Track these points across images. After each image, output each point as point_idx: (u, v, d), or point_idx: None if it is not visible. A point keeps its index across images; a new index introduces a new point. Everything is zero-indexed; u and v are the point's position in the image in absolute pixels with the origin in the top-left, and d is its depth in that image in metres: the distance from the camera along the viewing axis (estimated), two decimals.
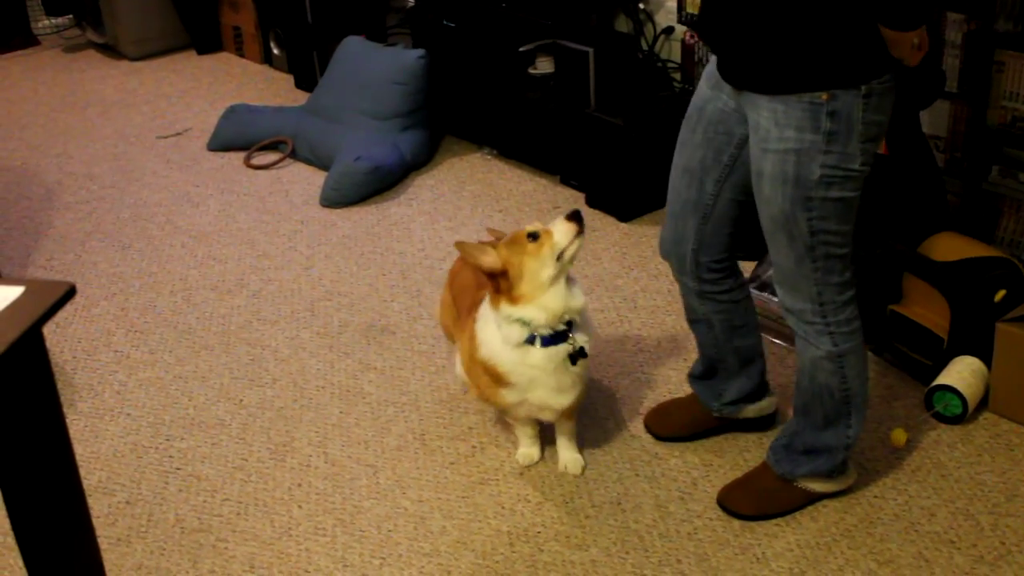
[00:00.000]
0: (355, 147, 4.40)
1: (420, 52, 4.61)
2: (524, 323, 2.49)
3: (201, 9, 6.22)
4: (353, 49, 4.87)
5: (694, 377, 2.84)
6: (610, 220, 4.04)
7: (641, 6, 4.40)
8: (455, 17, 4.60)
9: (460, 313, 2.80)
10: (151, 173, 4.75)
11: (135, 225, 4.29)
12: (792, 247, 2.28)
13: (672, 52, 4.38)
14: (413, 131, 4.59)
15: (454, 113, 4.79)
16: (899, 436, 2.77)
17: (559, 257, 2.47)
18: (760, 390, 2.80)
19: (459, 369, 2.84)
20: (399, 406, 3.08)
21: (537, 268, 2.46)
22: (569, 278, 2.54)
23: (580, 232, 2.50)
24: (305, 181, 4.55)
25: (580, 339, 2.55)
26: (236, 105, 5.08)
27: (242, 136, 4.89)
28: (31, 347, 1.55)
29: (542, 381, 2.56)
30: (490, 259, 2.48)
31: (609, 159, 4.02)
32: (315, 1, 5.32)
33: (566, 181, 4.32)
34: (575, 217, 2.51)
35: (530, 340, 2.51)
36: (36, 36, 6.72)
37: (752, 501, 2.62)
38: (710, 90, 2.40)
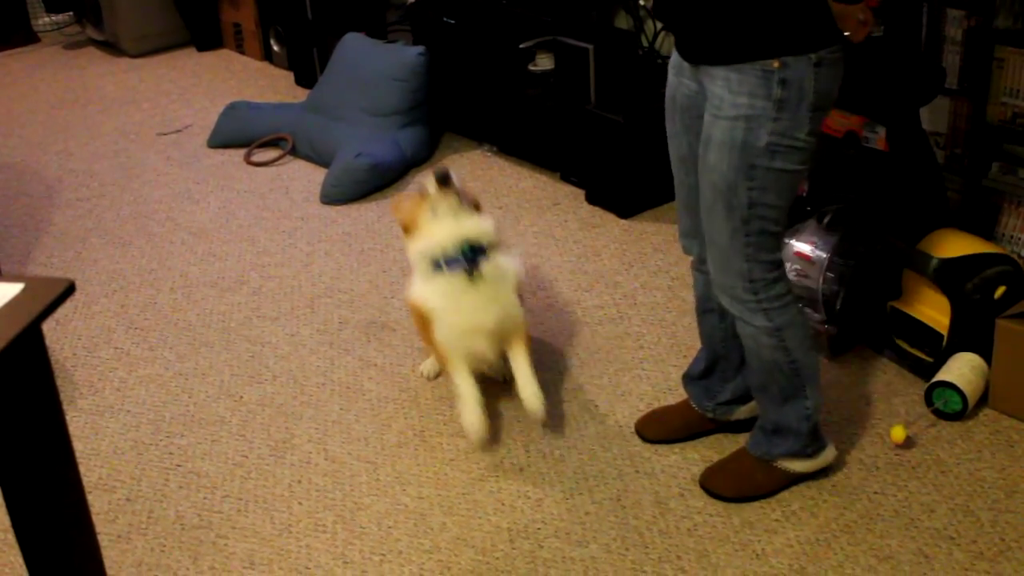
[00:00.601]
0: (355, 144, 4.40)
1: (420, 49, 4.61)
2: (422, 255, 2.78)
3: (201, 6, 6.22)
4: (353, 46, 4.87)
5: (691, 377, 2.84)
6: (610, 217, 4.04)
7: (641, 2, 4.40)
8: (455, 14, 4.60)
9: None
10: (151, 170, 4.75)
11: (135, 222, 4.29)
12: (729, 218, 2.32)
13: (672, 49, 4.37)
14: (413, 128, 4.59)
15: (454, 110, 4.79)
16: (899, 432, 2.77)
17: (434, 210, 2.77)
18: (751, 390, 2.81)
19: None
20: (399, 403, 3.08)
21: (420, 214, 2.80)
22: (474, 213, 2.82)
23: (443, 186, 2.76)
24: (305, 178, 4.55)
25: (494, 263, 2.77)
26: (236, 102, 5.08)
27: (242, 133, 4.89)
28: (30, 344, 1.55)
29: (455, 302, 2.75)
30: (397, 213, 2.92)
31: (609, 156, 4.02)
32: None
33: (566, 178, 4.32)
34: (437, 174, 2.77)
35: (436, 271, 2.76)
36: (36, 33, 6.72)
37: (733, 483, 2.66)
38: (675, 77, 2.46)
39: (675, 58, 2.44)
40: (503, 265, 2.79)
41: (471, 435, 2.78)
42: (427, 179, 2.78)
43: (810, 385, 2.52)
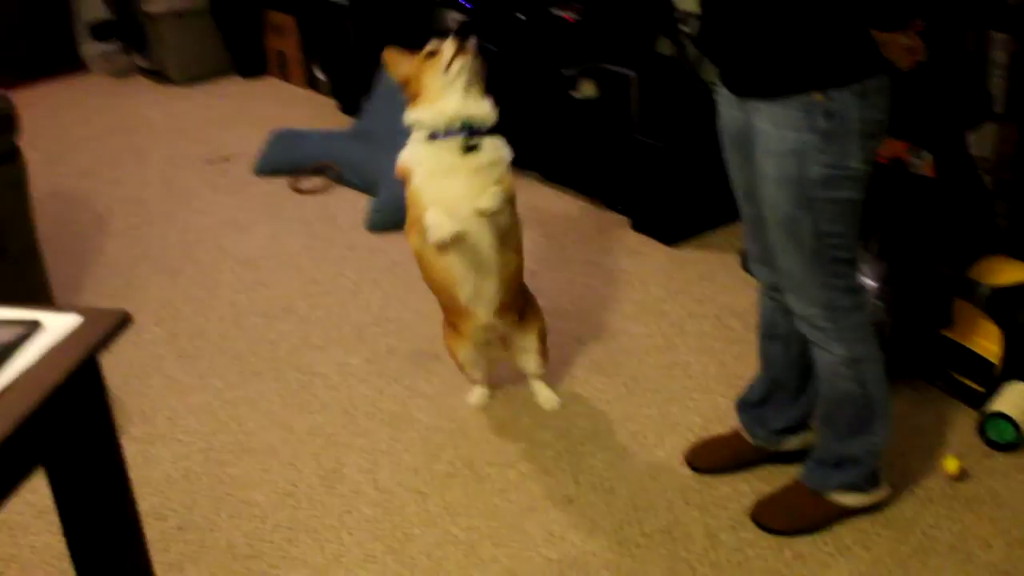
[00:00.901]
0: None
1: None
2: (420, 123, 2.79)
3: (246, 34, 6.28)
4: None
5: (745, 403, 2.83)
6: (655, 244, 4.04)
7: (683, 28, 4.39)
8: (498, 41, 4.61)
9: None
10: (199, 198, 4.80)
11: (184, 250, 4.33)
12: (798, 251, 2.31)
13: (715, 75, 4.36)
14: None
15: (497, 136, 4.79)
16: (952, 464, 2.74)
17: (446, 69, 2.76)
18: (805, 420, 2.79)
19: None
20: (448, 432, 3.09)
21: (429, 79, 2.78)
22: (479, 93, 2.82)
23: (462, 48, 2.76)
24: (351, 206, 4.57)
25: (489, 146, 2.80)
26: (282, 130, 5.12)
27: (288, 161, 4.93)
28: (88, 375, 1.57)
29: (444, 176, 2.75)
30: (399, 71, 2.86)
31: (653, 182, 4.02)
32: (358, 26, 5.35)
33: (611, 205, 4.32)
34: (459, 32, 2.79)
35: (431, 139, 2.77)
36: (84, 62, 6.80)
37: (784, 516, 2.63)
38: (725, 109, 2.45)
39: (723, 90, 2.44)
40: (494, 149, 2.83)
41: (475, 401, 3.12)
42: (447, 44, 2.77)
43: (879, 420, 2.49)
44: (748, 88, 2.28)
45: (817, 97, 2.15)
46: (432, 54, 2.79)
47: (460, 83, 2.77)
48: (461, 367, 3.14)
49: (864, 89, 2.17)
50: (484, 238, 2.78)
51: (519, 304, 3.02)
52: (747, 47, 2.23)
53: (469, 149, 2.75)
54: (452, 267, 2.81)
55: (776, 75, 2.19)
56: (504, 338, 3.07)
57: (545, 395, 3.18)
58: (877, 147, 2.27)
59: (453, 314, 2.98)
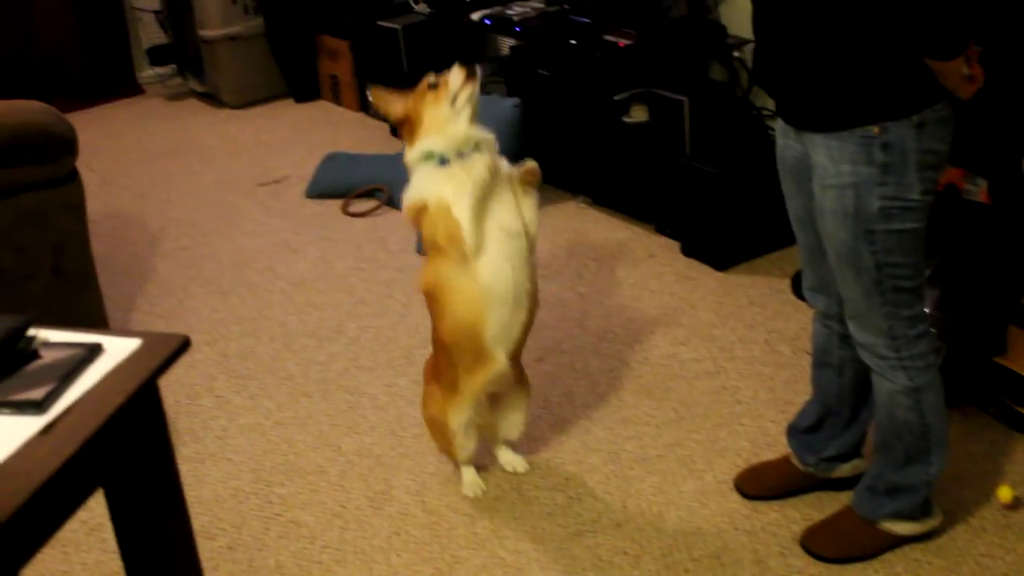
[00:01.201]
0: None
1: (515, 100, 4.65)
2: (430, 153, 2.68)
3: (300, 59, 6.34)
4: None
5: (796, 430, 2.81)
6: (706, 269, 4.03)
7: (735, 54, 4.40)
8: (550, 66, 4.64)
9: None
10: (251, 220, 4.84)
11: (235, 271, 4.37)
12: (859, 282, 2.30)
13: (766, 100, 4.36)
14: None
15: (548, 161, 4.79)
16: (1006, 493, 2.71)
17: (454, 101, 2.68)
18: (857, 448, 2.77)
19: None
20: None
21: (434, 110, 2.68)
22: (477, 124, 2.72)
23: (471, 76, 2.69)
24: (401, 228, 4.59)
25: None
26: (334, 153, 5.17)
27: (340, 183, 4.97)
28: (147, 398, 1.59)
29: (470, 191, 2.61)
30: (396, 108, 2.75)
31: (704, 208, 4.01)
32: (411, 50, 5.40)
33: (661, 230, 4.32)
34: (466, 63, 2.71)
35: (443, 166, 2.68)
36: (140, 85, 6.90)
37: (834, 543, 2.61)
38: (782, 139, 2.45)
39: (779, 120, 2.44)
40: (507, 169, 2.74)
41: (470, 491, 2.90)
42: (450, 71, 2.70)
43: (937, 450, 2.47)
44: (804, 121, 2.28)
45: (874, 130, 2.14)
46: (433, 86, 2.71)
47: (467, 112, 2.70)
48: (451, 442, 2.89)
49: (922, 120, 2.15)
50: (519, 257, 2.69)
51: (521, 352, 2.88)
52: (802, 80, 2.23)
53: (494, 170, 2.67)
54: (484, 296, 2.65)
55: (832, 109, 2.19)
56: (498, 396, 2.92)
57: (516, 460, 3.03)
58: (937, 177, 2.24)
59: (464, 364, 2.77)
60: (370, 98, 2.79)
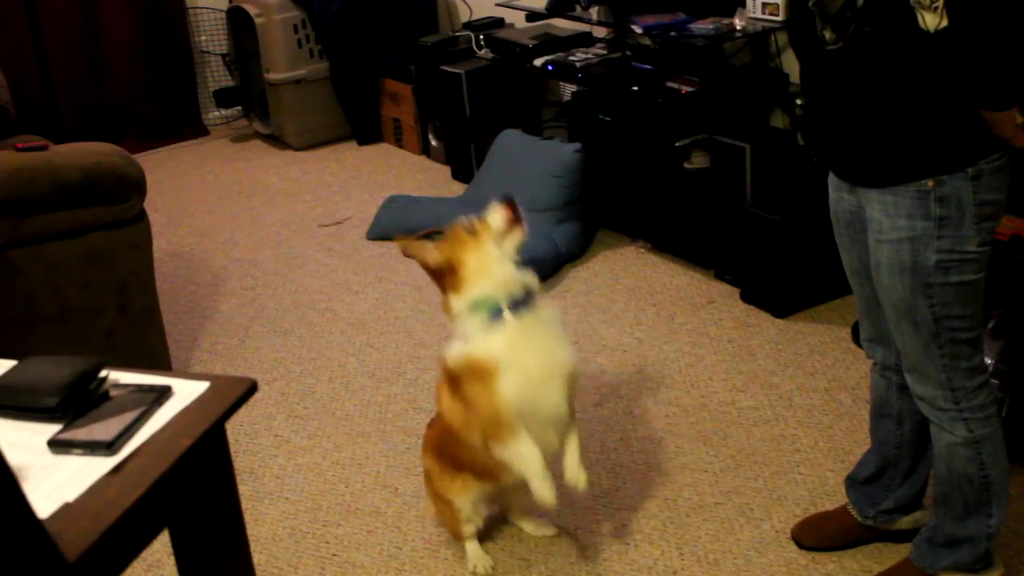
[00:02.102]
0: None
1: (576, 146, 4.68)
2: (480, 302, 2.48)
3: (363, 102, 6.42)
4: (510, 142, 4.97)
5: (855, 481, 2.79)
6: (765, 316, 4.01)
7: (798, 102, 4.40)
8: (611, 111, 4.66)
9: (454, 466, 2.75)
10: (312, 260, 4.90)
11: (296, 312, 4.42)
12: (917, 335, 2.28)
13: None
14: (568, 223, 4.64)
15: (609, 206, 4.83)
16: None
17: (499, 243, 2.50)
18: (917, 500, 2.74)
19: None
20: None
21: (480, 256, 2.49)
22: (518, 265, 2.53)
23: (516, 219, 2.52)
24: None
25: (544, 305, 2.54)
26: (395, 195, 5.22)
27: (400, 225, 5.00)
28: (215, 440, 1.62)
29: (528, 348, 2.47)
30: (434, 256, 2.53)
31: (765, 255, 4.01)
32: (473, 95, 5.45)
33: (720, 276, 4.32)
34: (508, 201, 2.53)
35: (496, 318, 2.47)
36: (206, 126, 7.02)
37: None
38: (835, 193, 2.44)
39: (832, 175, 2.43)
40: (552, 310, 2.59)
41: (547, 505, 2.55)
42: (489, 211, 2.54)
43: (997, 501, 2.44)
44: (858, 176, 2.28)
45: (929, 184, 2.14)
46: (472, 231, 2.53)
47: (512, 253, 2.52)
48: (458, 518, 2.80)
49: (978, 171, 2.14)
50: (559, 396, 2.55)
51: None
52: (856, 137, 2.23)
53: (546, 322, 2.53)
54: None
55: (886, 164, 2.19)
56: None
57: (542, 525, 2.95)
58: (995, 227, 2.23)
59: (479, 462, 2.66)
60: (399, 249, 2.60)
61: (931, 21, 2.00)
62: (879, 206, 2.23)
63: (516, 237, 2.53)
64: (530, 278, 2.54)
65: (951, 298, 2.22)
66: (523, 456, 2.49)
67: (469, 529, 2.82)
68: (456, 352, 2.53)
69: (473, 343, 2.49)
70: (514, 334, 2.46)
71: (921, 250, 2.19)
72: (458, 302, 2.51)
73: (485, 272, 2.48)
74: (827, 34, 2.16)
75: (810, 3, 2.16)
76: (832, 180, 2.44)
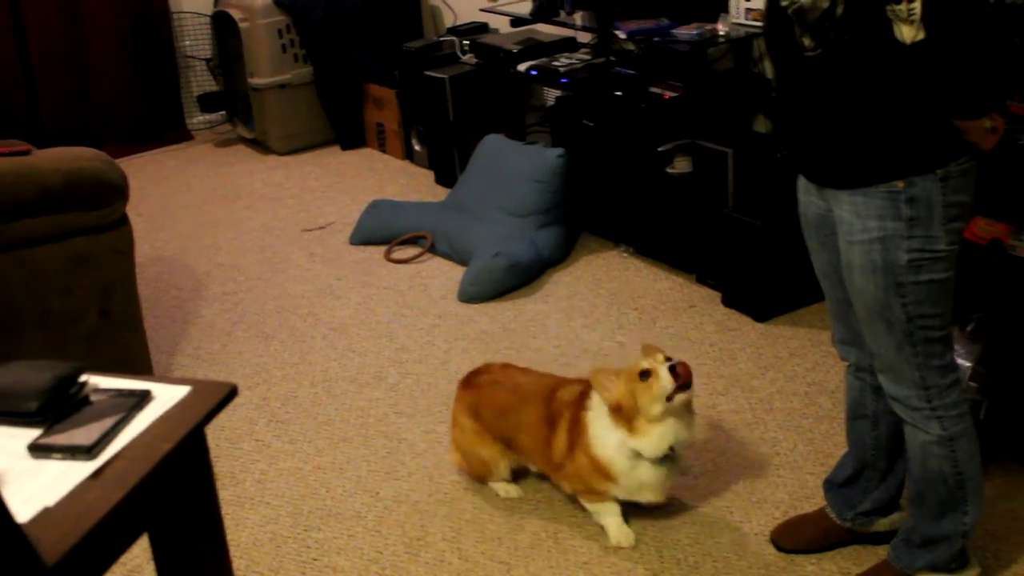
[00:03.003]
0: (493, 243, 4.48)
1: (560, 151, 4.69)
2: (636, 452, 2.76)
3: (347, 107, 6.43)
4: (493, 147, 4.98)
5: (833, 484, 2.81)
6: (746, 320, 4.03)
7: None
8: (594, 116, 4.68)
9: (494, 434, 3.09)
10: (295, 265, 4.90)
11: (279, 316, 4.42)
12: (891, 334, 2.31)
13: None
14: (551, 228, 4.66)
15: (591, 210, 4.85)
16: None
17: (669, 399, 2.69)
18: (894, 502, 2.77)
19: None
20: (533, 503, 3.10)
21: (647, 405, 2.71)
22: (688, 410, 2.79)
23: (684, 384, 2.70)
24: (444, 276, 4.64)
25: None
26: (378, 200, 5.22)
27: (383, 230, 5.02)
28: (195, 445, 1.63)
29: (647, 487, 2.83)
30: (611, 394, 2.76)
31: (746, 259, 4.02)
32: (457, 100, 5.46)
33: (702, 280, 4.34)
34: (675, 371, 2.70)
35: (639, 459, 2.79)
36: (190, 131, 7.02)
37: None
38: (804, 196, 2.48)
39: (800, 177, 2.46)
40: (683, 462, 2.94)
41: (623, 542, 2.91)
42: (663, 372, 2.70)
43: (972, 499, 2.47)
44: (829, 179, 2.31)
45: (900, 185, 2.17)
46: (646, 373, 2.72)
47: (673, 416, 2.74)
48: (487, 468, 3.14)
49: (946, 173, 2.18)
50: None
51: None
52: (827, 139, 2.26)
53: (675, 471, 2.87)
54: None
55: (857, 166, 2.22)
56: None
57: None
58: (963, 227, 2.27)
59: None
60: (593, 382, 2.81)
61: (908, 33, 2.04)
62: (849, 207, 2.25)
63: (683, 398, 2.72)
64: (686, 435, 2.79)
65: (923, 296, 2.25)
66: (600, 517, 2.94)
67: (496, 476, 3.13)
68: (603, 447, 2.82)
69: (616, 455, 2.80)
70: (642, 477, 2.80)
71: (892, 250, 2.22)
72: (622, 436, 2.77)
73: (647, 421, 2.73)
74: (806, 41, 2.18)
75: (789, 11, 2.18)
76: (801, 183, 2.47)
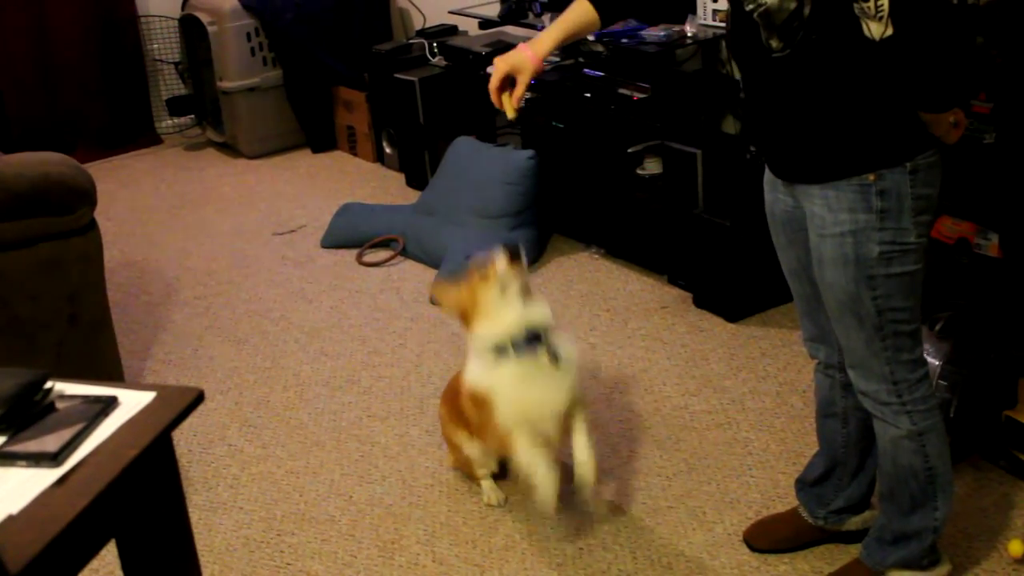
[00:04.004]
0: (465, 245, 4.47)
1: (530, 153, 4.69)
2: (487, 341, 2.75)
3: (317, 110, 6.41)
4: (464, 149, 4.98)
5: (804, 483, 2.82)
6: (717, 320, 4.04)
7: None
8: (564, 118, 4.68)
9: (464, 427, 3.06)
10: (267, 269, 4.88)
11: (250, 321, 4.40)
12: (861, 328, 2.32)
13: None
14: (522, 230, 4.66)
15: (562, 212, 4.85)
16: (1016, 547, 2.70)
17: (503, 288, 2.73)
18: (865, 500, 2.78)
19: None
20: (507, 505, 3.10)
21: (485, 296, 2.74)
22: (531, 296, 2.79)
23: (515, 261, 2.75)
24: (415, 278, 4.63)
25: (560, 345, 2.78)
26: (349, 203, 5.21)
27: (355, 233, 5.01)
28: (161, 451, 1.62)
29: (527, 389, 2.75)
30: (452, 302, 2.82)
31: (717, 260, 4.03)
32: (427, 102, 5.45)
33: (673, 281, 4.34)
34: (508, 248, 2.75)
35: (501, 356, 2.74)
36: (159, 135, 6.98)
37: None
38: (771, 194, 2.49)
39: (768, 175, 2.48)
40: (565, 347, 2.79)
41: (548, 507, 2.81)
42: (493, 257, 2.74)
43: (942, 494, 2.48)
44: (800, 174, 2.31)
45: (870, 177, 2.19)
46: (483, 277, 2.76)
47: (515, 295, 2.74)
48: (471, 463, 3.13)
49: (915, 166, 2.20)
50: (552, 428, 2.83)
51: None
52: (797, 136, 2.27)
53: (554, 359, 2.74)
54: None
55: (828, 160, 2.23)
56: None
57: (584, 460, 2.95)
58: (931, 220, 2.29)
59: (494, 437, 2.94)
60: (433, 297, 2.87)
61: (876, 30, 2.06)
62: (821, 201, 2.26)
63: (517, 280, 2.74)
64: (542, 316, 2.76)
65: (893, 290, 2.26)
66: (527, 464, 2.80)
67: (482, 471, 3.14)
68: (469, 377, 2.86)
69: (476, 375, 2.82)
70: (511, 374, 2.73)
71: (864, 242, 2.23)
72: (472, 339, 2.80)
73: (488, 311, 2.74)
74: (774, 43, 2.19)
75: (755, 14, 2.18)
76: (768, 180, 2.48)
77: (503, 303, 2.73)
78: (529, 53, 2.52)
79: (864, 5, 2.05)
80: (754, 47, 2.23)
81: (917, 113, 2.17)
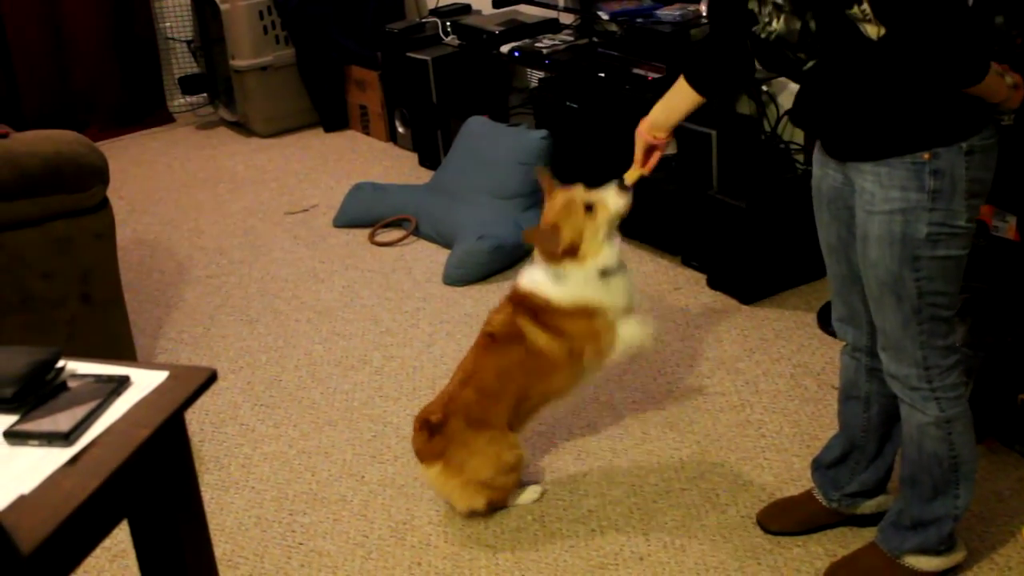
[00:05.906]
0: (478, 226, 4.46)
1: (543, 132, 4.67)
2: (600, 264, 2.94)
3: (330, 89, 6.39)
4: (477, 129, 4.96)
5: (821, 464, 2.80)
6: (731, 302, 4.03)
7: (764, 88, 4.41)
8: (578, 98, 4.66)
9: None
10: (279, 249, 4.87)
11: (262, 300, 4.40)
12: (899, 309, 2.30)
13: (794, 134, 4.37)
14: (535, 210, 4.63)
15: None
16: None
17: (612, 225, 2.95)
18: (881, 485, 2.76)
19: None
20: (520, 488, 3.09)
21: (595, 232, 2.92)
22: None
23: (627, 201, 2.95)
24: (428, 259, 4.62)
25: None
26: (362, 183, 5.19)
27: (367, 213, 5.00)
28: (174, 430, 1.61)
29: (624, 294, 3.01)
30: (557, 242, 2.91)
31: (731, 241, 4.01)
32: (440, 82, 5.43)
33: (687, 262, 4.32)
34: (624, 187, 2.93)
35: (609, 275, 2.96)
36: (172, 114, 6.97)
37: None
38: (820, 169, 2.46)
39: (818, 151, 2.45)
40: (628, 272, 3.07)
41: (648, 338, 3.06)
42: (606, 191, 2.93)
43: (964, 482, 2.47)
44: (852, 152, 2.29)
45: (924, 156, 2.16)
46: (589, 207, 2.92)
47: (615, 226, 2.96)
48: (518, 473, 3.04)
49: (971, 147, 2.17)
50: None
51: None
52: (848, 119, 2.25)
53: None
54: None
55: (883, 138, 2.20)
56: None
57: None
58: (981, 204, 2.26)
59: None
60: (527, 238, 3.07)
61: (872, 31, 2.06)
62: (872, 177, 2.24)
63: (624, 212, 2.96)
64: (617, 251, 2.98)
65: (936, 273, 2.24)
66: (640, 329, 3.04)
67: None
68: (564, 295, 2.96)
69: (580, 293, 2.95)
70: (616, 286, 2.98)
71: (912, 222, 2.20)
72: (572, 266, 2.94)
73: (593, 248, 2.93)
74: (801, 56, 2.19)
75: (771, 40, 2.19)
76: (817, 156, 2.45)
77: (609, 234, 2.94)
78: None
79: (852, 12, 2.05)
80: (785, 61, 2.23)
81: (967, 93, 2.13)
